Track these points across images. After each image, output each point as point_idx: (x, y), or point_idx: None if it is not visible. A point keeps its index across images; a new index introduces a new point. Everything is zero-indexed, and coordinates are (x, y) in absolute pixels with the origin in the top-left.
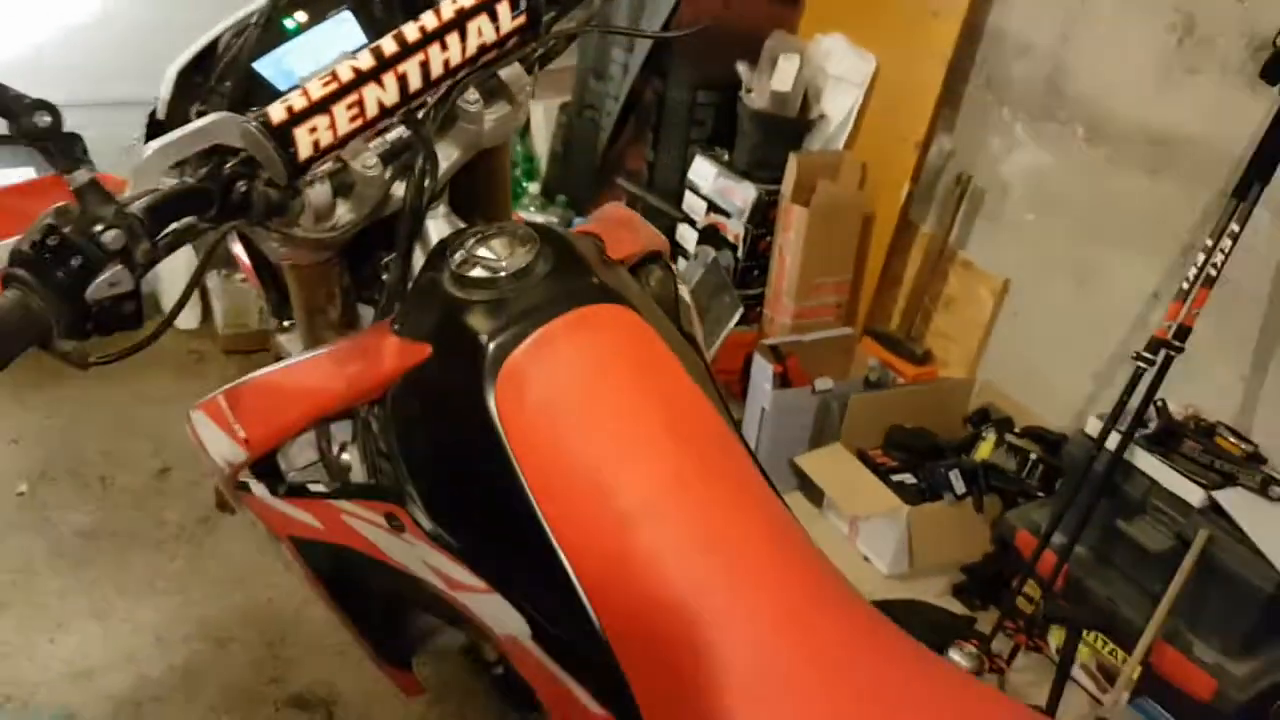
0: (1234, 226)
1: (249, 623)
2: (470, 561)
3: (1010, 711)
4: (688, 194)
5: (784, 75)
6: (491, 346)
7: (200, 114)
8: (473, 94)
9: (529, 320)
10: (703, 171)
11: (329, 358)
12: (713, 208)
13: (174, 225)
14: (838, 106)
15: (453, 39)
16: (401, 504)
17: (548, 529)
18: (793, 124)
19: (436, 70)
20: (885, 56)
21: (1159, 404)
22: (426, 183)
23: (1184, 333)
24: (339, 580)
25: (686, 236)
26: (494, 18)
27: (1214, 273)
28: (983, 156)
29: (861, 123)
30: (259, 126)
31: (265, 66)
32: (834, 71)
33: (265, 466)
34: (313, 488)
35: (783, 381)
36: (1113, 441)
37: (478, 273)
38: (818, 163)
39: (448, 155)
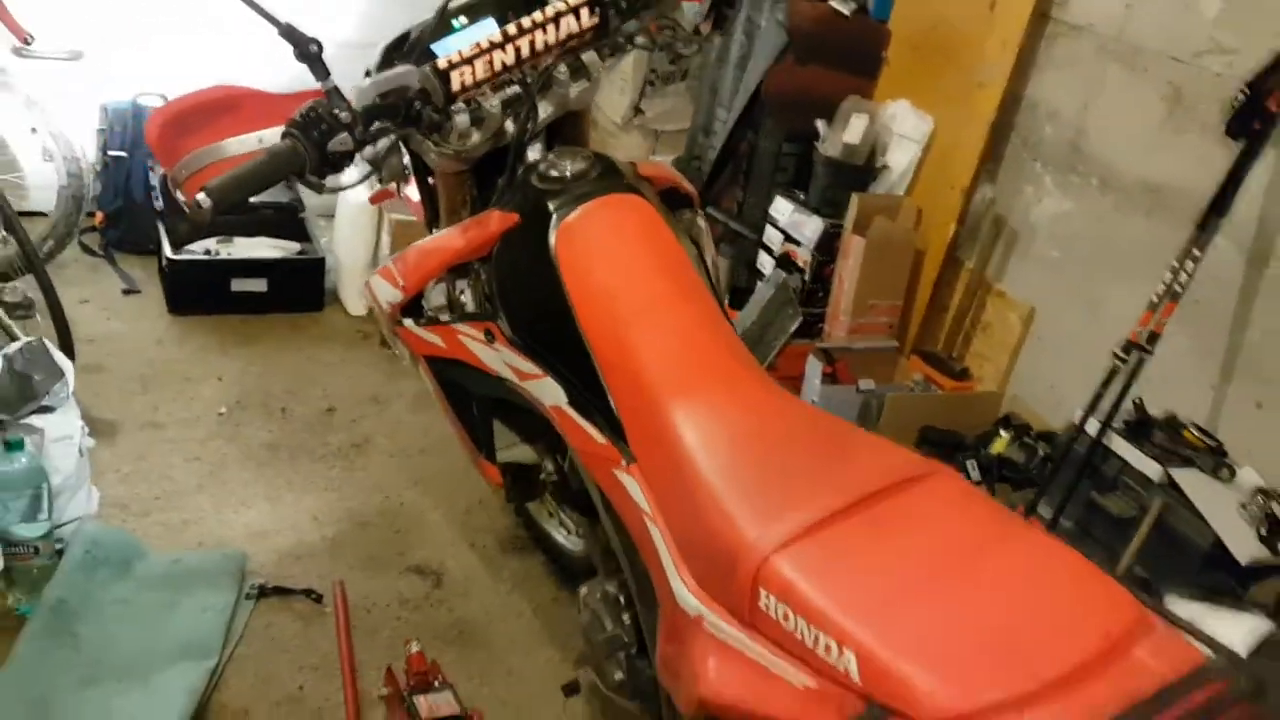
0: (1195, 251)
1: (384, 516)
2: (534, 356)
3: (892, 452)
4: (768, 227)
5: (854, 130)
6: (555, 214)
7: None
8: (563, 69)
9: (579, 199)
10: (781, 208)
11: (457, 229)
12: (788, 238)
13: (376, 124)
14: (899, 159)
15: (550, 28)
16: (495, 322)
17: (582, 330)
18: (860, 171)
19: (540, 47)
20: (941, 118)
21: (1136, 401)
22: (529, 125)
23: (1154, 338)
24: (453, 389)
25: (765, 262)
26: (577, 17)
27: (1179, 289)
28: (1017, 203)
29: (920, 173)
30: (431, 69)
31: (437, 47)
32: (898, 130)
33: (413, 308)
34: (442, 318)
35: (831, 379)
36: (1096, 433)
37: (553, 173)
38: (877, 203)
39: (545, 109)
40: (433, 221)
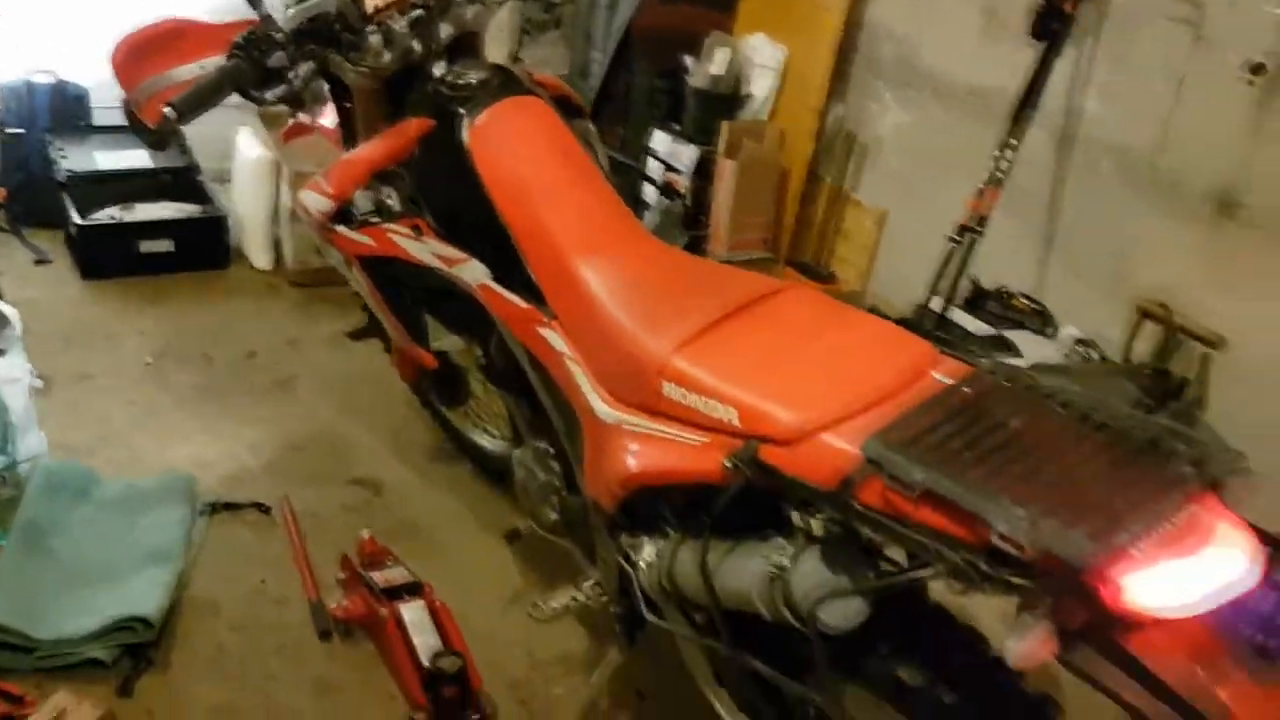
0: (1012, 141)
1: (318, 441)
2: (459, 243)
3: (758, 278)
4: (649, 160)
5: (719, 62)
6: (466, 116)
7: None
8: None
9: (486, 102)
10: (659, 140)
11: (378, 139)
12: (668, 167)
13: (304, 45)
14: (761, 87)
15: None
16: (421, 217)
17: (499, 213)
18: (726, 100)
19: None
20: (793, 46)
21: (972, 278)
22: (434, 43)
23: (982, 221)
24: (386, 284)
25: (650, 193)
26: None
27: (1000, 176)
28: (865, 118)
29: (779, 99)
30: None
31: None
32: (757, 60)
33: (343, 215)
34: (371, 220)
35: None
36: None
37: (460, 82)
38: (744, 129)
39: (446, 30)
40: (350, 141)
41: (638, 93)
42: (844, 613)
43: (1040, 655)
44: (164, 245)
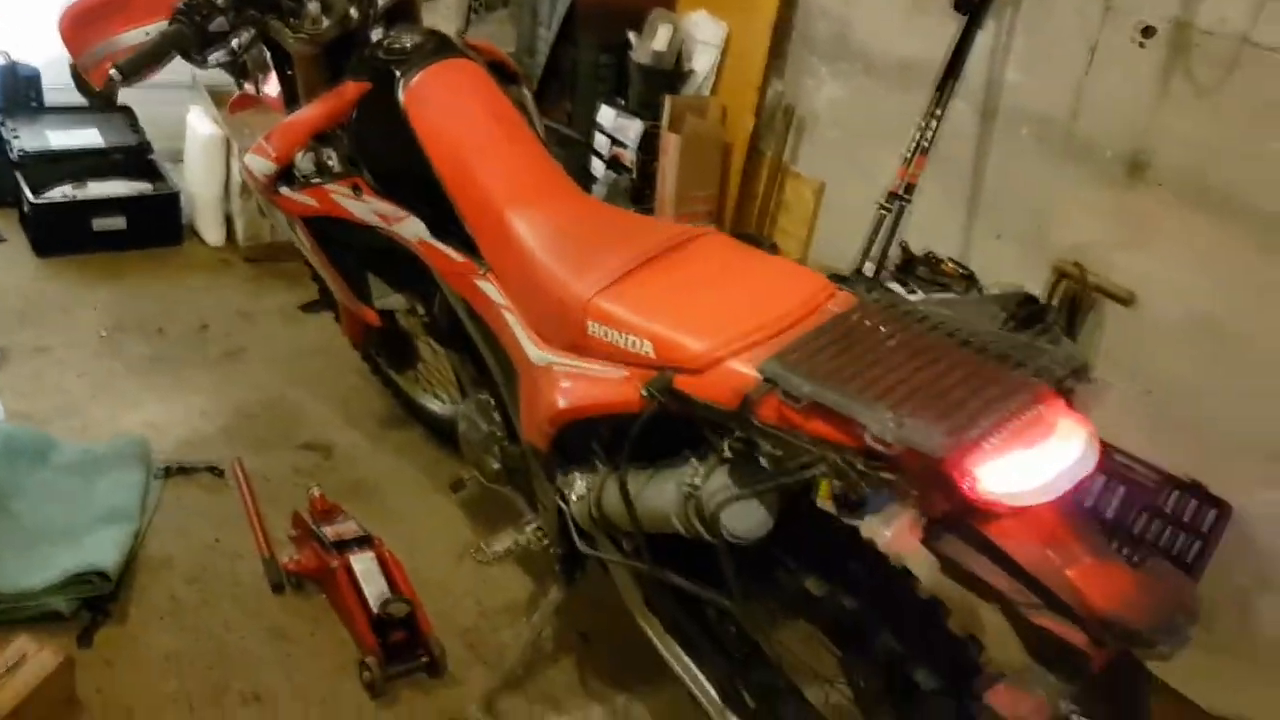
0: (936, 110)
1: (268, 408)
2: (397, 200)
3: (677, 226)
4: (596, 134)
5: (661, 38)
6: (402, 78)
7: None
8: None
9: (422, 64)
10: (605, 115)
11: (318, 102)
12: (614, 142)
13: (249, 11)
14: (703, 63)
15: None
16: (360, 176)
17: (435, 170)
18: (669, 75)
19: None
20: (733, 23)
21: (902, 244)
22: (371, 9)
23: (910, 188)
24: (328, 242)
25: (597, 167)
26: None
27: (926, 144)
28: (802, 93)
29: (721, 74)
30: None
31: None
32: (699, 36)
33: (286, 177)
34: (313, 181)
35: None
36: (871, 273)
37: (396, 46)
38: (687, 104)
39: None
40: (292, 106)
41: (583, 69)
42: (747, 520)
43: (907, 540)
44: (117, 223)
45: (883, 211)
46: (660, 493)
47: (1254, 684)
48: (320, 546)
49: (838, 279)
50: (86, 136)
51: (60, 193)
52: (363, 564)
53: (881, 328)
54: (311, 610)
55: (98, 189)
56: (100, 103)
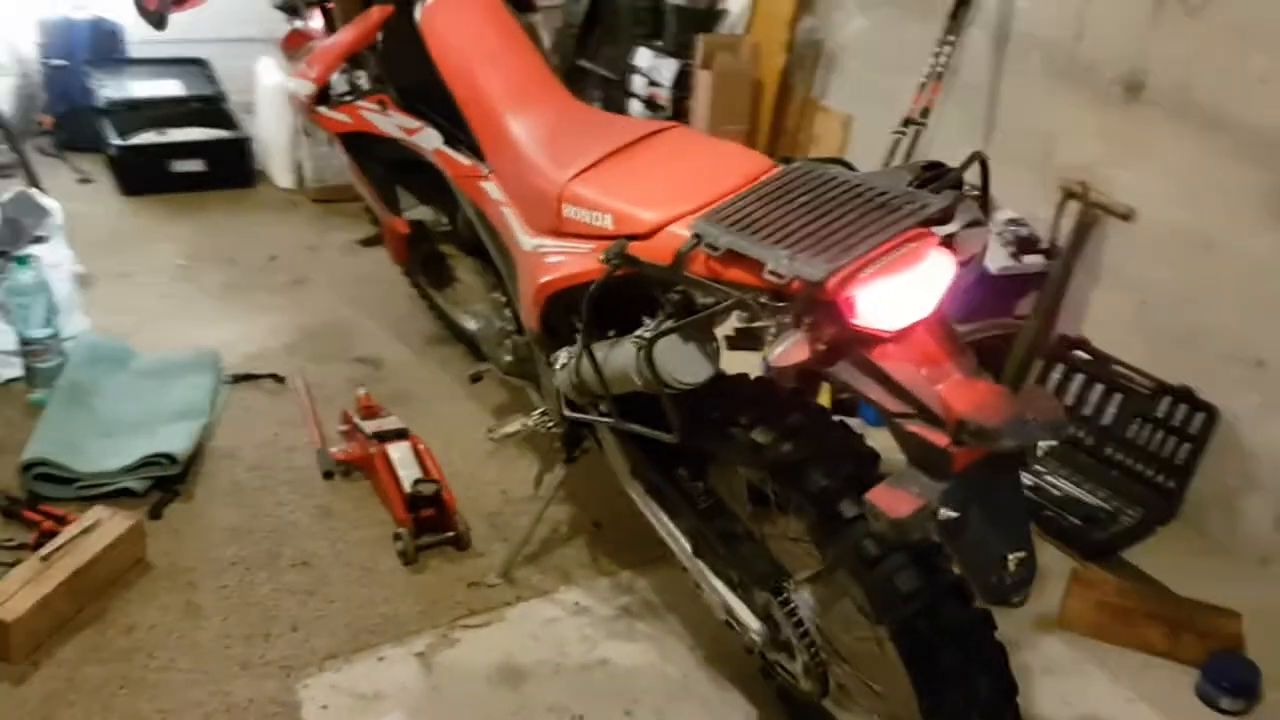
0: (950, 38)
1: (328, 327)
2: (416, 114)
3: (649, 121)
4: (634, 76)
5: None
6: (419, 1)
7: None
8: None
9: None
10: (643, 56)
11: (348, 27)
12: (651, 82)
13: None
14: (736, 3)
15: None
16: (385, 93)
17: (446, 83)
18: (704, 15)
19: None
20: None
21: None
22: None
23: (925, 112)
24: (361, 156)
25: (635, 108)
26: None
27: (940, 70)
28: (831, 27)
29: (755, 13)
30: None
31: None
32: None
33: (324, 97)
34: (345, 99)
35: None
36: None
37: None
38: (720, 42)
39: None
40: (331, 34)
41: (622, 13)
42: (689, 366)
43: (794, 358)
44: (195, 165)
45: (898, 135)
46: (622, 353)
47: (1235, 579)
48: (364, 438)
49: (785, 159)
50: (167, 86)
51: (144, 138)
52: (399, 451)
53: (797, 189)
54: (355, 493)
55: (177, 134)
56: (153, 22)
